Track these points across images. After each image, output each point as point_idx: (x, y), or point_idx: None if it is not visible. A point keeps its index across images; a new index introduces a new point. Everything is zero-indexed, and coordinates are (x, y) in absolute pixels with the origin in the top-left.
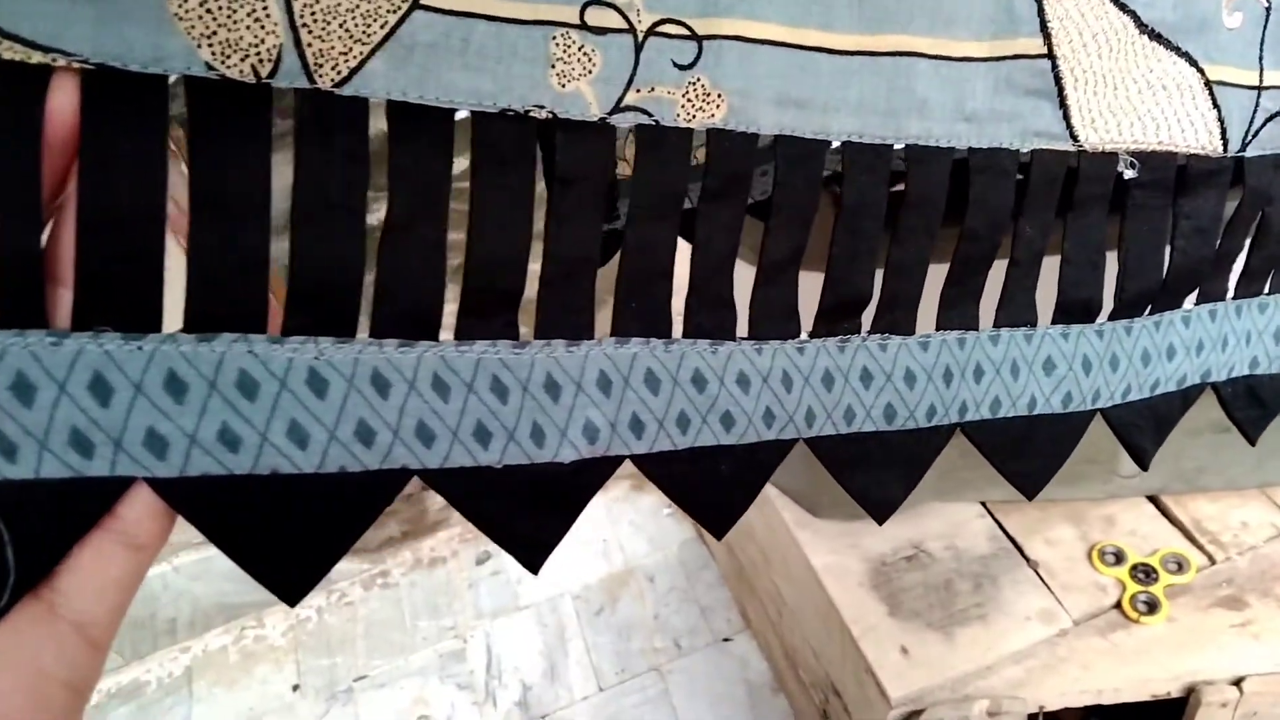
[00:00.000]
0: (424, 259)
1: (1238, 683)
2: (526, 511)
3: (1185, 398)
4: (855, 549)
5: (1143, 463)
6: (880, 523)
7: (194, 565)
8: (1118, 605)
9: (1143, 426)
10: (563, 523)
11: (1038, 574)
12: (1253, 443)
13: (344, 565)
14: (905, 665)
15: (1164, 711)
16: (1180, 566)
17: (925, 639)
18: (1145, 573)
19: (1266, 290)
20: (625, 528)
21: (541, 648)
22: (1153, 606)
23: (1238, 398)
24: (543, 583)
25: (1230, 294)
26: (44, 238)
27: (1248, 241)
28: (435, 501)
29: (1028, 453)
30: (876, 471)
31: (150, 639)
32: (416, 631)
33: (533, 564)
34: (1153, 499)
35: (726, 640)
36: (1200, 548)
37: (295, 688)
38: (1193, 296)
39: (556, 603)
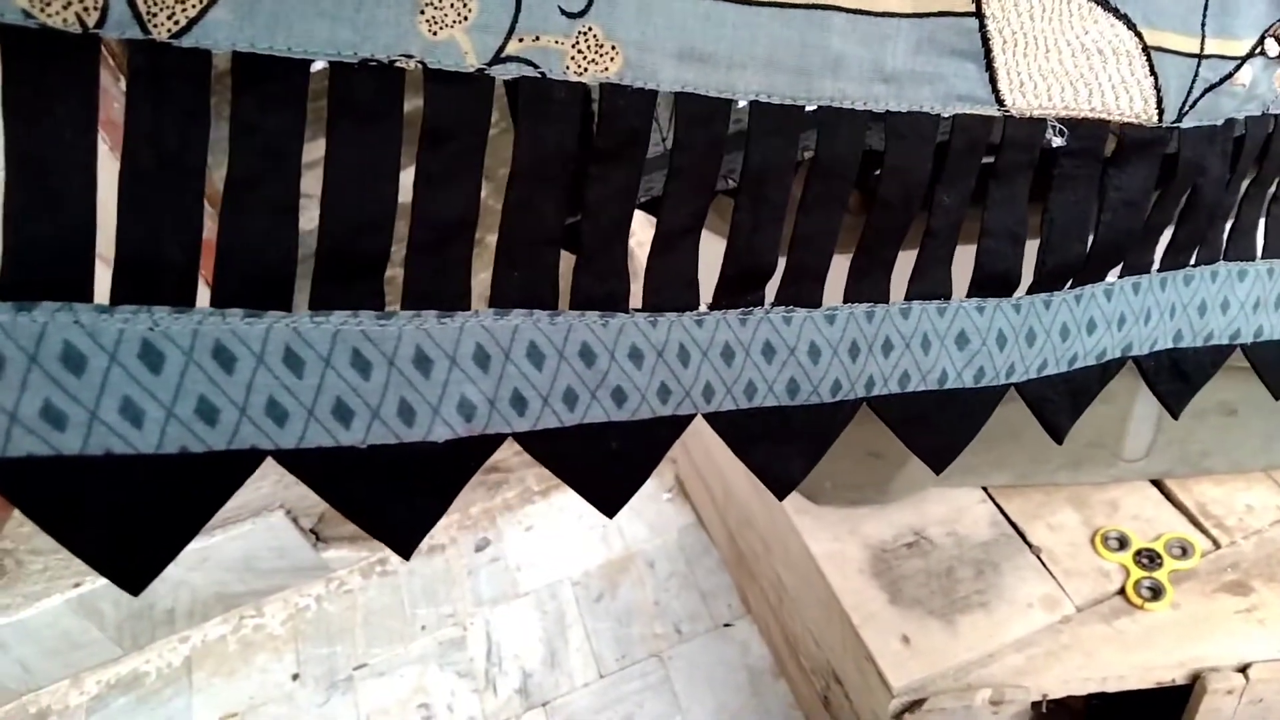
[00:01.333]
0: (271, 221)
1: (1243, 669)
2: (397, 495)
3: (1104, 371)
4: (855, 536)
5: (1058, 437)
6: (780, 498)
7: (192, 555)
8: (1121, 591)
9: (1058, 401)
10: (438, 505)
11: (1040, 560)
12: (1175, 416)
13: (343, 553)
14: (906, 654)
15: (1169, 699)
16: (1185, 551)
17: (927, 627)
18: (1149, 558)
19: (1192, 263)
20: (625, 513)
21: (541, 634)
22: (1157, 592)
23: (1160, 371)
24: (542, 569)
25: (1155, 266)
26: None
27: (1176, 213)
28: None
29: (937, 428)
30: (777, 447)
31: (149, 629)
32: (416, 619)
33: (403, 550)
34: (1156, 483)
35: (727, 626)
36: (1205, 532)
37: (295, 677)
38: (1116, 269)
39: (556, 589)
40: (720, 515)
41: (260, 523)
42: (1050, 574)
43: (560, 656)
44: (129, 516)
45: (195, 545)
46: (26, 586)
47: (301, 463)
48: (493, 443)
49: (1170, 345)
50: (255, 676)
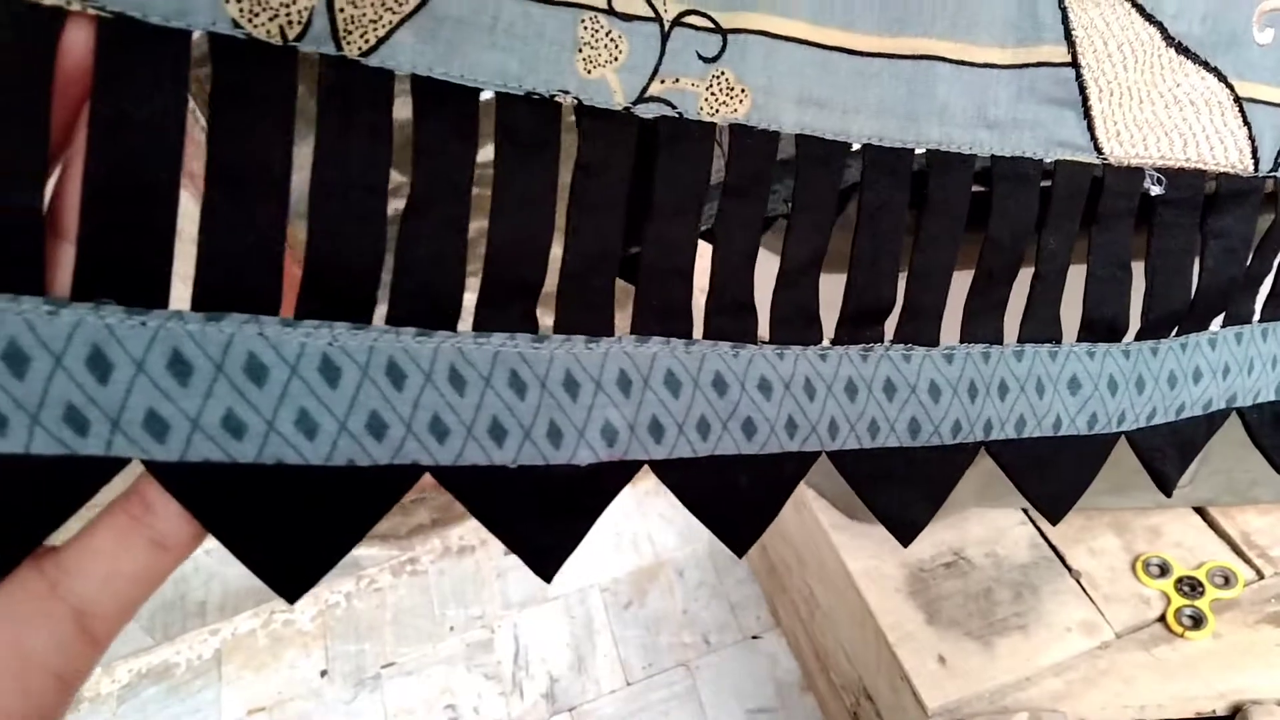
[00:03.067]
0: (443, 243)
1: None
2: (541, 515)
3: (1210, 422)
4: (893, 554)
5: (1166, 489)
6: (905, 545)
7: (224, 549)
8: (1162, 619)
9: (1167, 451)
10: (578, 529)
11: (1080, 584)
12: (1278, 471)
13: (374, 551)
14: (943, 675)
15: None
16: (1227, 580)
17: (964, 648)
18: (1191, 586)
19: None
20: (655, 520)
21: (569, 640)
22: (1198, 621)
23: (1264, 424)
24: (571, 574)
25: (1256, 317)
26: (48, 192)
27: (1276, 263)
28: None
29: (1053, 475)
30: (901, 489)
31: (180, 620)
32: (444, 620)
33: (545, 571)
34: (1200, 510)
35: (756, 638)
36: (1248, 561)
37: (323, 673)
38: (1219, 319)
39: (585, 595)
40: None
41: None
42: (1090, 599)
43: (587, 662)
44: (294, 526)
45: None
46: None
47: (456, 479)
48: (630, 469)
49: (1273, 397)
50: (284, 672)
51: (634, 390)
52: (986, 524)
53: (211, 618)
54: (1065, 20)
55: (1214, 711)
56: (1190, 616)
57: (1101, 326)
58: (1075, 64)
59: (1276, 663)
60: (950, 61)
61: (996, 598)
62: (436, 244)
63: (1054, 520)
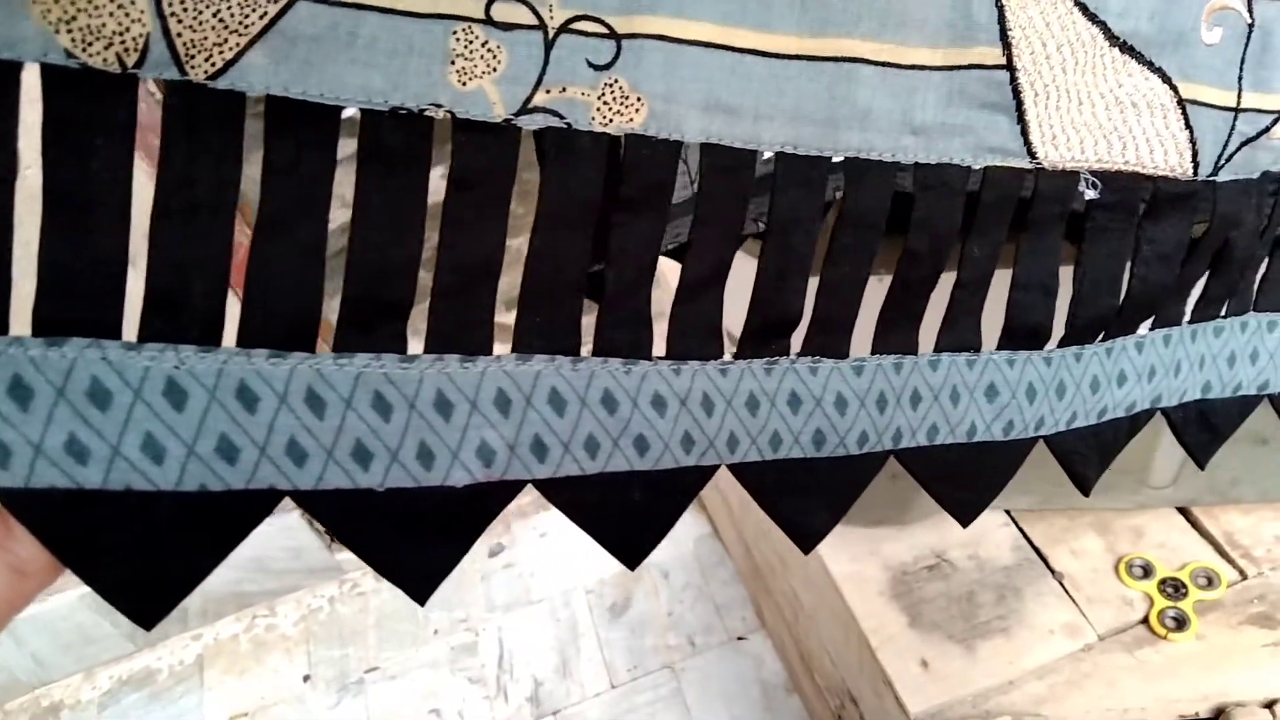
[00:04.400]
0: (299, 264)
1: (1270, 705)
2: (413, 539)
3: (1133, 424)
4: (875, 557)
5: (1084, 490)
6: (805, 553)
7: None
8: (1145, 620)
9: (1086, 454)
10: (454, 552)
11: (1062, 586)
12: (1202, 467)
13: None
14: (925, 679)
15: None
16: (1210, 581)
17: (946, 651)
18: (1174, 587)
19: (1223, 314)
20: None
21: (554, 643)
22: (1181, 623)
23: (1189, 423)
24: (556, 577)
25: (1186, 318)
26: None
27: (1208, 266)
28: None
29: (965, 481)
30: (803, 499)
31: (162, 626)
32: (428, 624)
33: (419, 596)
34: (1183, 510)
35: (741, 639)
36: (1232, 562)
37: (306, 678)
38: (1147, 322)
39: (569, 597)
40: (736, 527)
41: (275, 523)
42: (1073, 601)
43: (572, 665)
44: (145, 552)
45: None
46: None
47: (319, 504)
48: (512, 489)
49: (1199, 397)
50: (267, 677)
51: (514, 410)
52: (969, 526)
53: (193, 623)
54: (1001, 20)
55: (1197, 714)
56: (1173, 618)
57: (1023, 334)
58: (1010, 66)
59: (1260, 664)
60: (874, 64)
61: (979, 600)
62: (290, 265)
63: (964, 524)
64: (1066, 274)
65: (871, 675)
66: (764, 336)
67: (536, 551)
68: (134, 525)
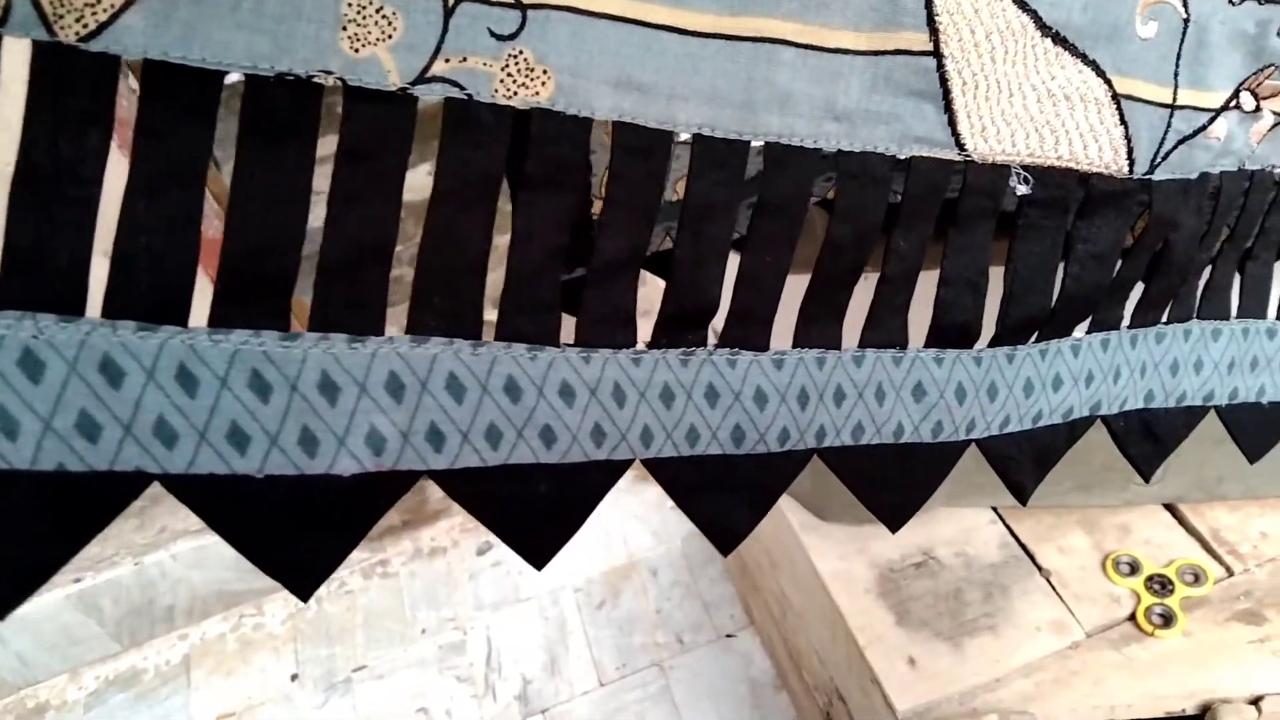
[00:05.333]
0: (172, 233)
1: (1256, 701)
2: (295, 531)
3: (1071, 431)
4: (863, 555)
5: (1021, 498)
6: (724, 554)
7: (192, 553)
8: (1132, 617)
9: (1021, 460)
10: (341, 546)
11: (1049, 583)
12: (1146, 479)
13: None
14: (912, 677)
15: None
16: (1197, 578)
17: (933, 649)
18: (1161, 584)
19: (1164, 320)
20: (628, 520)
21: (542, 641)
22: (1168, 619)
23: (1131, 433)
24: (544, 575)
25: (1125, 323)
26: None
27: (1147, 268)
28: (435, 491)
29: (893, 484)
30: (722, 497)
31: (148, 626)
32: (416, 622)
33: (301, 592)
34: (1169, 507)
35: (730, 636)
36: (1218, 559)
37: (294, 677)
38: (1084, 324)
39: (558, 595)
40: None
41: None
42: (1060, 598)
43: (560, 663)
44: None
45: (194, 543)
46: None
47: (191, 490)
48: (406, 480)
49: (1141, 405)
50: (254, 676)
51: (408, 395)
52: (956, 524)
53: (180, 622)
54: (929, 4)
55: (1184, 710)
56: (1160, 615)
57: (952, 333)
58: (938, 53)
59: (1246, 661)
60: (796, 45)
61: (966, 598)
62: (162, 233)
63: (893, 529)
64: (999, 272)
65: (859, 673)
66: (679, 326)
67: None
68: None
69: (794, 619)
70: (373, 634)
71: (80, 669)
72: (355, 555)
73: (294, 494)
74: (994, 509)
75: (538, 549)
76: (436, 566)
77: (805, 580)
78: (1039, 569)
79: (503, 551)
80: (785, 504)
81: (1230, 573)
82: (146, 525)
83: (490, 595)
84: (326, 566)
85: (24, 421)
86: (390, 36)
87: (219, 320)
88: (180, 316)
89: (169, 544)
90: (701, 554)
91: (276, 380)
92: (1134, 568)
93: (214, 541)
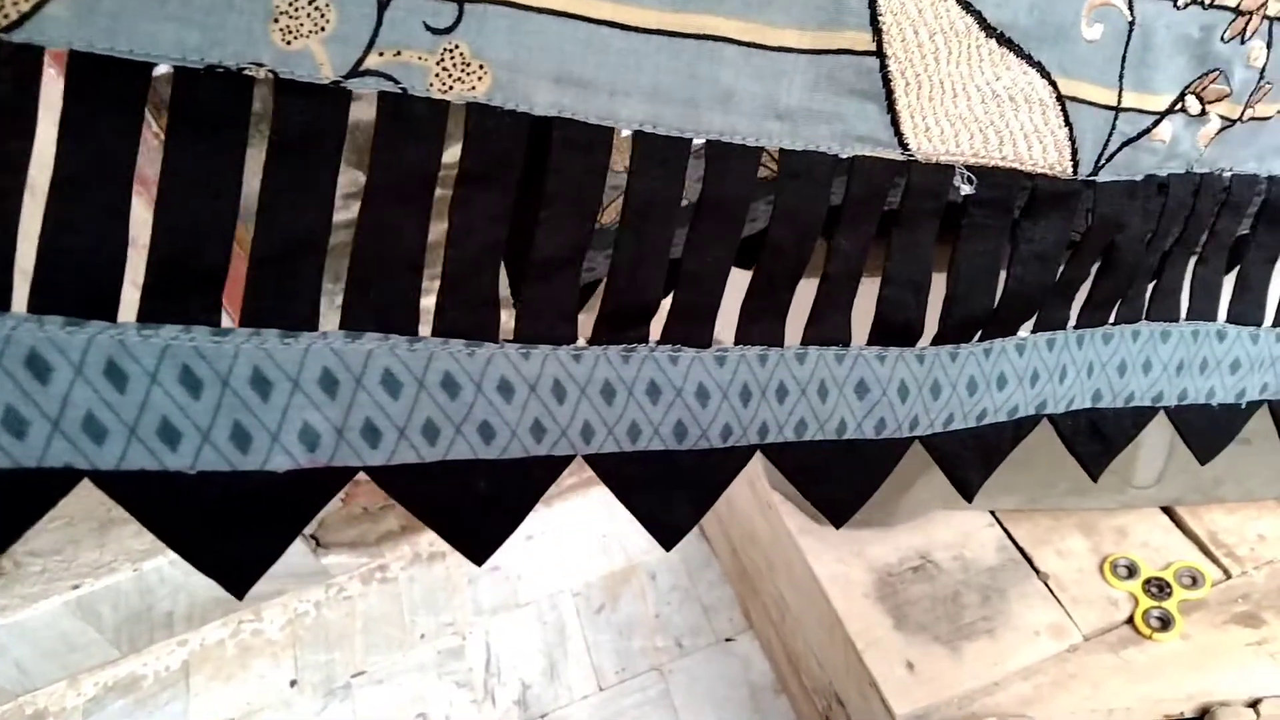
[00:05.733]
0: (99, 227)
1: (1254, 704)
2: (229, 528)
3: (1018, 429)
4: (860, 558)
5: (967, 495)
6: (667, 549)
7: None
8: (1130, 621)
9: (967, 457)
10: (277, 542)
11: (1047, 587)
12: (1094, 479)
13: (342, 559)
14: (911, 681)
15: None
16: (1195, 581)
17: (931, 653)
18: (1159, 587)
19: (1112, 320)
20: (626, 524)
21: (541, 646)
22: (1166, 622)
23: (1078, 433)
24: (543, 579)
25: (1072, 323)
26: None
27: (1094, 269)
28: None
29: (837, 479)
30: (664, 493)
31: (147, 632)
32: (415, 628)
33: (236, 589)
34: (1167, 510)
35: (729, 640)
36: (1216, 561)
37: (293, 683)
38: (1029, 324)
39: (557, 600)
40: (723, 529)
41: None
42: (1058, 601)
43: (560, 668)
44: None
45: None
46: (24, 588)
47: (122, 487)
48: (342, 476)
49: (1089, 405)
50: (253, 682)
51: (342, 391)
52: (953, 527)
53: (179, 628)
54: (873, 4)
55: (1182, 714)
56: (1158, 618)
57: (894, 331)
58: (881, 53)
59: (1244, 664)
60: (739, 43)
61: (964, 601)
62: (88, 228)
63: (836, 524)
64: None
65: (857, 677)
66: (620, 323)
67: (523, 554)
68: None
69: (792, 622)
70: (372, 639)
71: (79, 676)
72: (353, 561)
73: (227, 491)
74: (991, 513)
75: (478, 546)
76: (435, 572)
77: (803, 584)
78: (1037, 572)
79: (501, 556)
80: (782, 508)
81: (1228, 575)
82: (145, 531)
83: (489, 600)
84: (262, 563)
85: None
86: (323, 29)
87: (148, 315)
88: (109, 312)
89: (168, 550)
90: (700, 557)
91: (208, 376)
92: (1132, 570)
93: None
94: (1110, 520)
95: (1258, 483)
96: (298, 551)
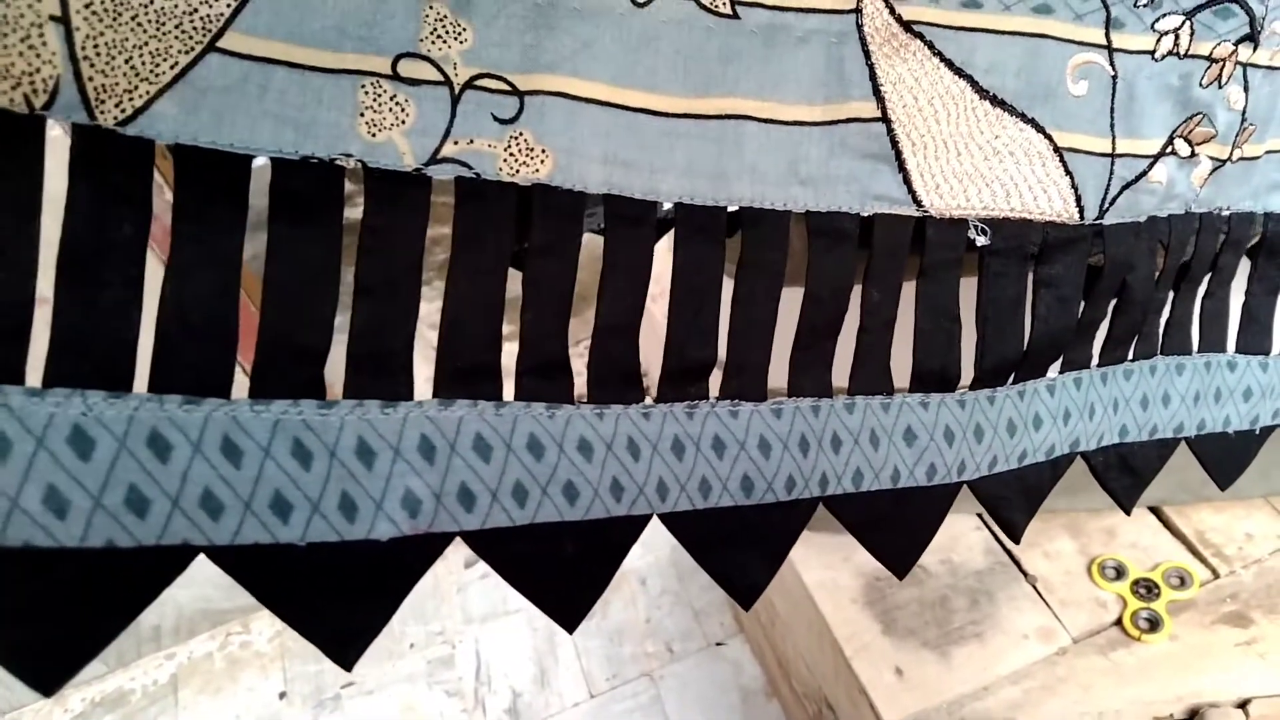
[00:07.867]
0: (211, 309)
1: (1243, 705)
2: (337, 598)
3: (1055, 467)
4: (848, 564)
5: (1014, 537)
6: (746, 608)
7: None
8: (1118, 622)
9: (1012, 499)
10: (382, 611)
11: (1036, 590)
12: (1128, 513)
13: None
14: (900, 687)
15: None
16: (1183, 581)
17: (920, 659)
18: (1147, 588)
19: (1131, 357)
20: None
21: (531, 653)
22: (1154, 624)
23: (1110, 468)
24: None
25: (1095, 361)
26: None
27: (1110, 309)
28: None
29: (895, 528)
30: (739, 552)
31: (135, 646)
32: (404, 637)
33: (344, 660)
34: (1155, 510)
35: (720, 645)
36: (1204, 561)
37: (282, 695)
38: (1057, 365)
39: None
40: None
41: None
42: (1046, 604)
43: (550, 675)
44: (46, 615)
45: None
46: None
47: (236, 561)
48: (439, 542)
49: (1117, 440)
50: (242, 695)
51: (439, 456)
52: (941, 530)
53: (167, 641)
54: (873, 76)
55: (1171, 715)
56: (1146, 619)
57: (932, 377)
58: (885, 118)
59: (1233, 664)
60: (758, 120)
61: (953, 606)
62: (202, 309)
63: (900, 574)
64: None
65: (847, 683)
66: (681, 380)
67: None
68: (33, 585)
69: (781, 627)
70: None
71: (66, 691)
72: None
73: (334, 561)
74: (979, 515)
75: (569, 611)
76: (424, 580)
77: (791, 589)
78: (1025, 575)
79: None
80: None
81: (1216, 575)
82: None
83: (479, 608)
84: (370, 632)
85: (74, 499)
86: (404, 122)
87: (259, 392)
88: (223, 389)
89: None
90: (690, 563)
91: (316, 447)
92: (1120, 572)
93: (200, 559)
94: (1098, 521)
95: (1245, 481)
96: None
